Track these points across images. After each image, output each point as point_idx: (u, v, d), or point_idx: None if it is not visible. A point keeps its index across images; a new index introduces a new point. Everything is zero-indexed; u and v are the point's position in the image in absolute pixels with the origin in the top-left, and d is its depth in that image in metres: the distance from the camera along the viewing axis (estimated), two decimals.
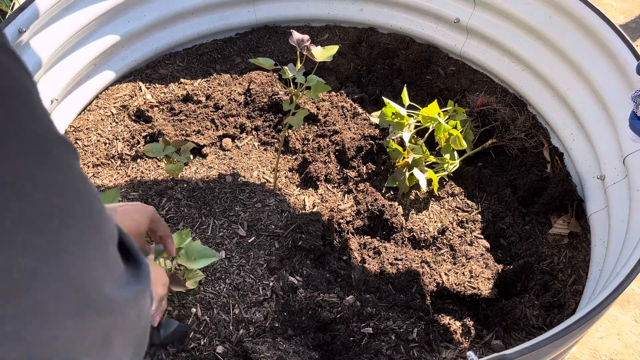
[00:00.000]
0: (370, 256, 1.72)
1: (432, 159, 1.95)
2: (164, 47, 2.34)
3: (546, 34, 2.04)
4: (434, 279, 1.66)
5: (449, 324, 1.58)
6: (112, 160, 1.92)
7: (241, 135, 2.05)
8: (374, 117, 1.99)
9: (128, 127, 2.04)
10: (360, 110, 2.17)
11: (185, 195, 1.80)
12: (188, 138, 1.98)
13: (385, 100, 1.90)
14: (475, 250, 1.77)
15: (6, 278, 0.28)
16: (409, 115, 1.93)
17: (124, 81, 2.24)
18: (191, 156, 1.87)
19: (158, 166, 1.93)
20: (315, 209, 1.84)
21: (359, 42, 2.49)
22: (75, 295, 0.33)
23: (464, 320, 1.61)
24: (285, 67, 1.53)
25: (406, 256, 1.72)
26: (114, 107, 2.12)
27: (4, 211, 0.28)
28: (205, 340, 1.46)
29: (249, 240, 1.70)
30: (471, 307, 1.67)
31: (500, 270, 1.72)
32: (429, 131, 1.96)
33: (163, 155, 1.79)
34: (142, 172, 1.90)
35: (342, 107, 2.15)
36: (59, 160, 0.32)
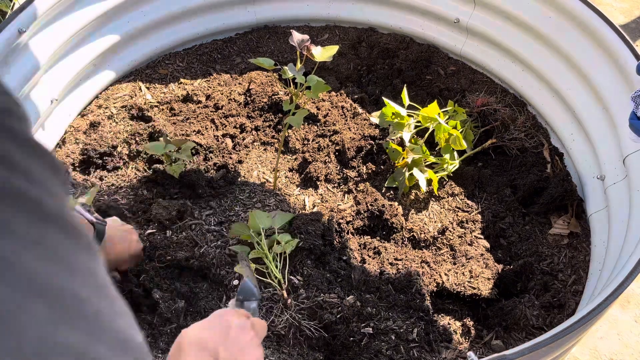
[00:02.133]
0: (370, 256, 1.72)
1: (432, 159, 1.95)
2: (164, 47, 2.33)
3: (546, 34, 2.04)
4: (434, 279, 1.66)
5: (449, 324, 1.58)
6: (112, 160, 1.92)
7: (241, 135, 2.05)
8: (374, 117, 1.99)
9: (128, 127, 2.04)
10: (360, 110, 2.17)
11: None
12: (188, 138, 1.98)
13: (385, 100, 1.90)
14: (475, 250, 1.77)
15: None
16: (409, 116, 1.93)
17: (124, 81, 2.24)
18: (192, 156, 1.87)
19: (158, 166, 1.93)
20: (315, 209, 1.84)
21: (359, 42, 2.49)
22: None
23: (464, 320, 1.61)
24: (285, 67, 1.53)
25: (406, 256, 1.72)
26: (114, 107, 2.12)
27: None
28: None
29: None
30: (471, 307, 1.67)
31: (500, 270, 1.72)
32: (429, 131, 1.96)
33: (163, 154, 1.79)
34: (142, 172, 1.90)
35: (342, 107, 2.14)
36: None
